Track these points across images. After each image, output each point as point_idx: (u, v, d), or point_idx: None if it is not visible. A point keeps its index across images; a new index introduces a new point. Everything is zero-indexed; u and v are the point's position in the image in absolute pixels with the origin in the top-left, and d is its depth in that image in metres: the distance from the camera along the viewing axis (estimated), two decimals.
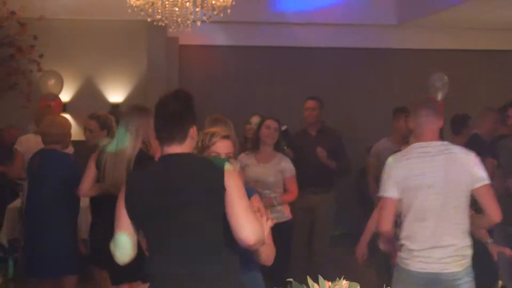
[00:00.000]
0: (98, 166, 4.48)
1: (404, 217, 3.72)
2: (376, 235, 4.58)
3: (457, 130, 6.52)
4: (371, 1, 9.21)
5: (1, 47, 8.20)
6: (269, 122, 5.51)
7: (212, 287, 2.70)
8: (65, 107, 8.70)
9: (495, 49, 9.83)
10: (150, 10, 6.52)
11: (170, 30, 6.96)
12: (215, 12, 6.50)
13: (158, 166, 2.87)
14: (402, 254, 3.73)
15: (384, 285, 2.61)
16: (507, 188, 5.25)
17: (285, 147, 6.05)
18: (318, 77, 9.32)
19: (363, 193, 7.07)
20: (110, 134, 5.22)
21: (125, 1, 6.54)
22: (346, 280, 2.38)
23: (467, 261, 3.68)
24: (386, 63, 9.66)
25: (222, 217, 2.72)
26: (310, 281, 2.37)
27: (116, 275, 4.39)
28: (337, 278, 2.39)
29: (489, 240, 4.14)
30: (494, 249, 4.17)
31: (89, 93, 8.89)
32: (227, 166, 2.76)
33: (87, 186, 4.57)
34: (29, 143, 5.93)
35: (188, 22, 6.61)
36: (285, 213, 5.46)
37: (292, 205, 5.79)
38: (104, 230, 4.42)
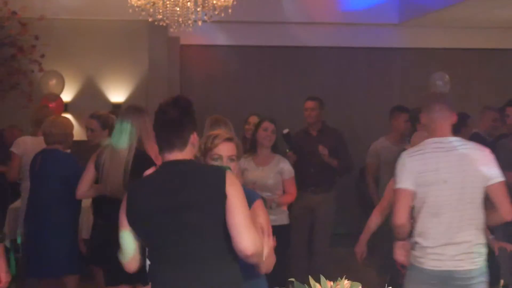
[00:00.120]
0: (97, 167, 4.50)
1: (417, 213, 3.66)
2: (375, 235, 4.59)
3: (456, 129, 6.50)
4: (372, 0, 9.21)
5: (3, 47, 8.20)
6: (266, 124, 5.46)
7: None
8: (66, 107, 8.70)
9: (495, 48, 9.82)
10: (151, 10, 6.52)
11: (171, 30, 6.96)
12: (216, 12, 6.50)
13: (159, 173, 2.87)
14: (415, 253, 3.67)
15: (386, 284, 2.61)
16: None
17: (287, 150, 6.05)
18: (319, 77, 9.31)
19: (363, 193, 7.07)
20: (112, 133, 5.23)
21: (126, 1, 6.54)
22: (347, 280, 2.38)
23: (481, 260, 3.62)
24: (387, 62, 9.65)
25: (223, 224, 2.70)
26: (311, 281, 2.37)
27: (113, 276, 4.42)
28: (338, 278, 2.39)
29: (490, 236, 4.14)
30: (495, 245, 4.18)
31: (90, 93, 8.89)
32: (229, 174, 2.76)
33: (84, 188, 4.58)
34: (26, 145, 5.90)
35: (189, 22, 6.61)
36: (284, 216, 5.45)
37: (292, 205, 5.80)
38: (105, 230, 4.45)
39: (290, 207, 5.75)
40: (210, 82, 9.31)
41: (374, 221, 4.57)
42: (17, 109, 7.97)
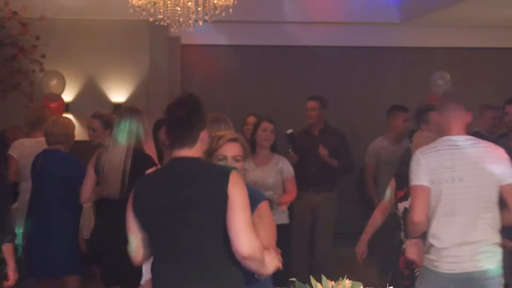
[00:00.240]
0: (97, 170, 4.51)
1: (432, 213, 3.60)
2: (376, 235, 4.59)
3: None
4: None
5: (3, 47, 8.20)
6: (265, 124, 5.46)
7: None
8: (67, 107, 8.70)
9: (496, 47, 9.82)
10: (152, 10, 6.52)
11: (172, 29, 6.95)
12: (217, 12, 6.50)
13: (165, 169, 2.96)
14: (430, 256, 3.61)
15: (387, 284, 2.61)
16: None
17: (289, 150, 6.04)
18: (319, 77, 9.31)
19: (364, 193, 7.06)
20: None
21: (127, 1, 6.54)
22: (349, 280, 2.39)
23: (498, 259, 3.58)
24: (387, 61, 9.65)
25: (225, 223, 2.71)
26: (313, 281, 2.37)
27: (109, 276, 4.43)
28: (340, 278, 2.39)
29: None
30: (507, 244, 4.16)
31: (91, 93, 8.89)
32: (234, 174, 2.77)
33: (87, 194, 4.62)
34: (23, 147, 5.88)
35: (190, 21, 6.60)
36: (284, 216, 5.44)
37: (293, 204, 5.80)
38: (105, 230, 4.47)
39: (291, 206, 5.74)
40: (211, 81, 9.31)
41: (375, 221, 4.56)
42: (18, 109, 7.95)
